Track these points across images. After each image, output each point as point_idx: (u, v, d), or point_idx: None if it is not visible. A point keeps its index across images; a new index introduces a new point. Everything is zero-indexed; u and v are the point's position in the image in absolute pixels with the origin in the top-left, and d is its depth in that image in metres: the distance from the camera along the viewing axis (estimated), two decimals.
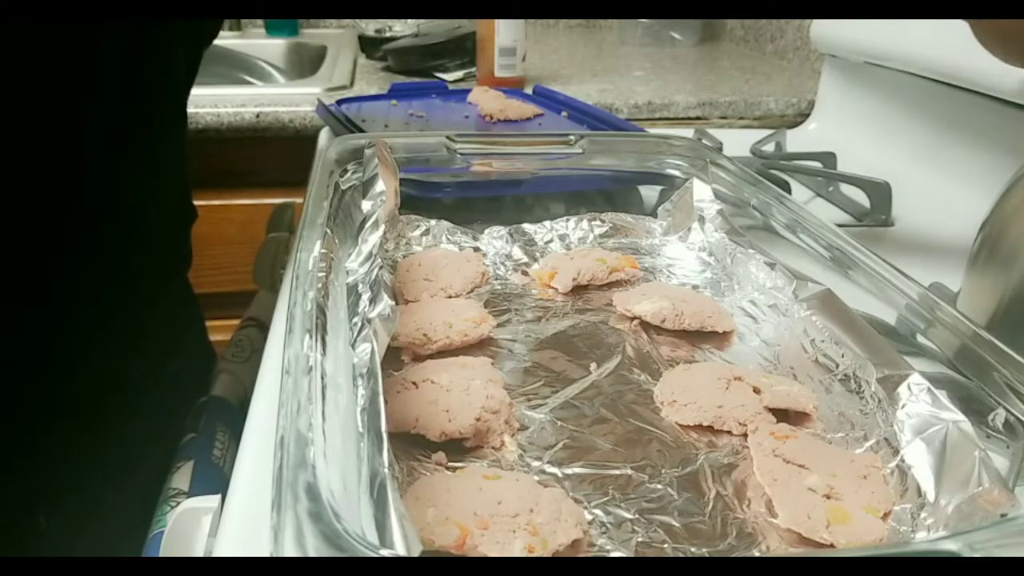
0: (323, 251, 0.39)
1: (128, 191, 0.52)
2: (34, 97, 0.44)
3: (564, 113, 0.85)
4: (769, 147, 0.83)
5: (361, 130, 0.70)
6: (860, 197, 0.69)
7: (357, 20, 1.41)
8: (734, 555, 0.30)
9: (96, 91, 0.47)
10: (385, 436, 0.28)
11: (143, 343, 0.57)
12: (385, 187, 0.49)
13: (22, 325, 0.47)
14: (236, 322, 0.76)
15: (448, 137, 0.58)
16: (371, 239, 0.44)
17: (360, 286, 0.40)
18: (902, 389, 0.37)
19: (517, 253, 0.55)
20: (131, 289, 0.54)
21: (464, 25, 1.19)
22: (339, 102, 0.82)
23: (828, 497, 0.32)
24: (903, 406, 0.36)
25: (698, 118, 1.06)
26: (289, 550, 0.21)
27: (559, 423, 0.37)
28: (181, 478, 0.49)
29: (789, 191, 0.69)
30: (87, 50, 0.45)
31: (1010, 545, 0.24)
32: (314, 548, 0.21)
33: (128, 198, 0.52)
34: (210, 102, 0.97)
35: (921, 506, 0.32)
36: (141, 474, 0.52)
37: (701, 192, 0.58)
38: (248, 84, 1.36)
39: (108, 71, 0.48)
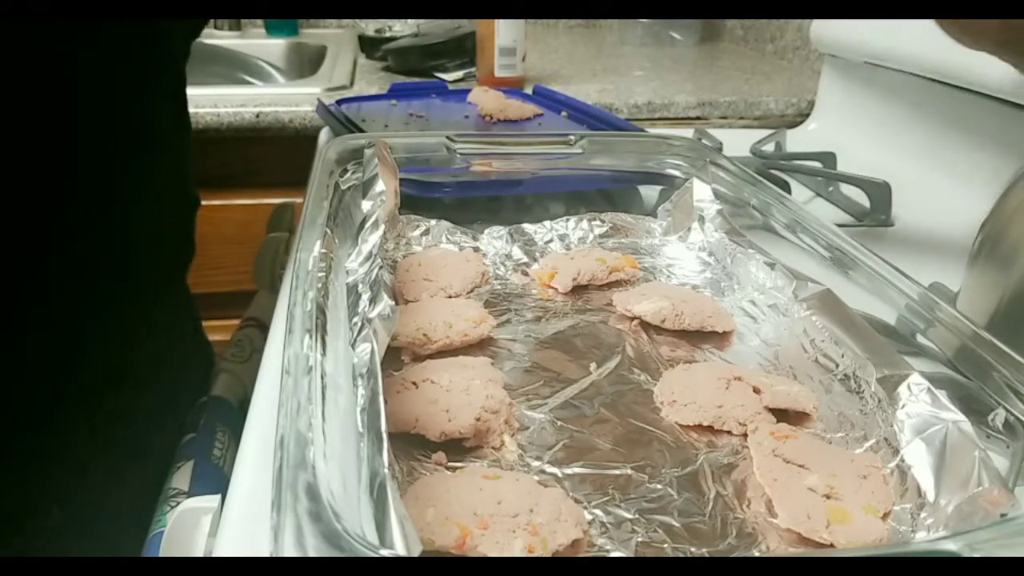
0: (323, 251, 0.39)
1: (127, 185, 0.52)
2: (26, 93, 0.44)
3: (564, 113, 0.85)
4: (769, 147, 0.83)
5: (361, 130, 0.70)
6: (860, 197, 0.69)
7: (357, 20, 1.41)
8: (734, 555, 0.30)
9: (88, 85, 0.47)
10: (385, 436, 0.28)
11: (143, 338, 0.57)
12: (385, 187, 0.49)
13: (21, 319, 0.47)
14: (236, 322, 0.76)
15: (448, 137, 0.58)
16: (371, 239, 0.44)
17: (360, 286, 0.40)
18: (902, 389, 0.37)
19: (517, 253, 0.55)
20: (131, 284, 0.54)
21: (464, 25, 1.19)
22: (339, 102, 0.82)
23: (828, 497, 0.32)
24: (903, 406, 0.36)
25: (698, 118, 1.06)
26: (289, 550, 0.21)
27: (559, 423, 0.37)
28: (181, 478, 0.49)
29: (789, 191, 0.69)
30: (76, 46, 0.45)
31: (1010, 545, 0.24)
32: (314, 548, 0.21)
33: (127, 192, 0.52)
34: (210, 102, 0.97)
35: (921, 506, 0.32)
36: (141, 474, 0.52)
37: (701, 192, 0.58)
38: (248, 84, 1.36)
39: (97, 65, 0.47)
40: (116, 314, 0.53)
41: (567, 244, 0.57)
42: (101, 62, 0.47)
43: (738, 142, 0.81)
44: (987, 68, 0.64)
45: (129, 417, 0.55)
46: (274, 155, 1.01)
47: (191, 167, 0.63)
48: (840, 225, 0.58)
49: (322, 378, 0.29)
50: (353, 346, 0.35)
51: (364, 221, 0.45)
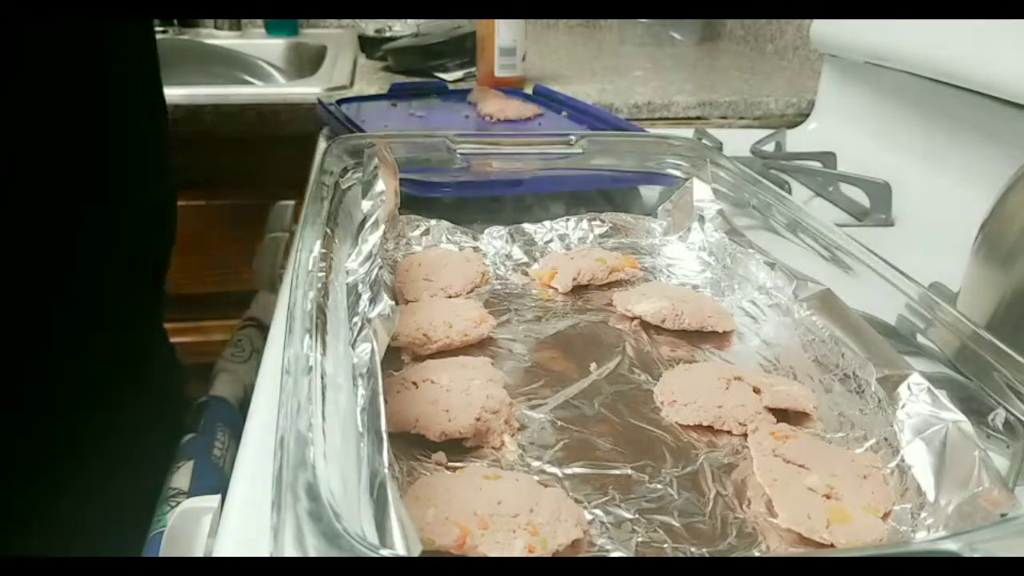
0: (323, 251, 0.39)
1: (101, 184, 0.52)
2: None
3: (564, 113, 0.85)
4: (769, 147, 0.83)
5: (361, 130, 0.70)
6: (860, 197, 0.69)
7: (357, 20, 1.40)
8: (734, 555, 0.30)
9: (63, 84, 0.47)
10: (385, 436, 0.28)
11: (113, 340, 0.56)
12: (385, 187, 0.49)
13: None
14: (236, 322, 0.76)
15: (448, 137, 0.58)
16: (371, 239, 0.44)
17: (360, 286, 0.40)
18: (902, 389, 0.37)
19: (517, 253, 0.55)
20: (103, 284, 0.54)
21: (464, 25, 1.19)
22: (339, 102, 0.82)
23: (828, 497, 0.32)
24: (903, 406, 0.36)
25: (698, 118, 1.06)
26: (289, 550, 0.21)
27: (559, 423, 0.37)
28: (181, 478, 0.49)
29: (789, 191, 0.69)
30: (48, 46, 0.45)
31: (1010, 545, 0.24)
32: (314, 548, 0.21)
33: (104, 190, 0.52)
34: (210, 102, 0.97)
35: (921, 506, 0.32)
36: (141, 474, 0.52)
37: (701, 192, 0.58)
38: (248, 84, 1.36)
39: (65, 67, 0.47)
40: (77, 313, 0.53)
41: (567, 244, 0.57)
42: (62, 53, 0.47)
43: (738, 142, 0.81)
44: (987, 68, 0.64)
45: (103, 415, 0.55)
46: (274, 155, 1.01)
47: (169, 166, 0.62)
48: (840, 225, 0.58)
49: (322, 378, 0.29)
50: (353, 346, 0.35)
51: (364, 221, 0.45)
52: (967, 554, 0.23)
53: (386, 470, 0.26)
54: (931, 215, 0.68)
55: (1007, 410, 0.34)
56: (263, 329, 0.74)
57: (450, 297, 0.48)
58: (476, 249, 0.55)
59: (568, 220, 0.58)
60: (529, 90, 0.95)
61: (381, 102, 0.88)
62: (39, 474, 0.51)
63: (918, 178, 0.74)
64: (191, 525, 0.34)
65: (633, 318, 0.47)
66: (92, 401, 0.53)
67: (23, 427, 0.49)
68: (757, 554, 0.30)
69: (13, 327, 0.47)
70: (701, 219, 0.57)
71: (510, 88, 0.96)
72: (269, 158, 1.02)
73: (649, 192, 0.65)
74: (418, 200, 0.58)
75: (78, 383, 0.52)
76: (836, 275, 0.46)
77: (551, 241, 0.57)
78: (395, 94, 0.90)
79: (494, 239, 0.56)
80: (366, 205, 0.47)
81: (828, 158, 0.77)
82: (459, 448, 0.35)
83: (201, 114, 0.96)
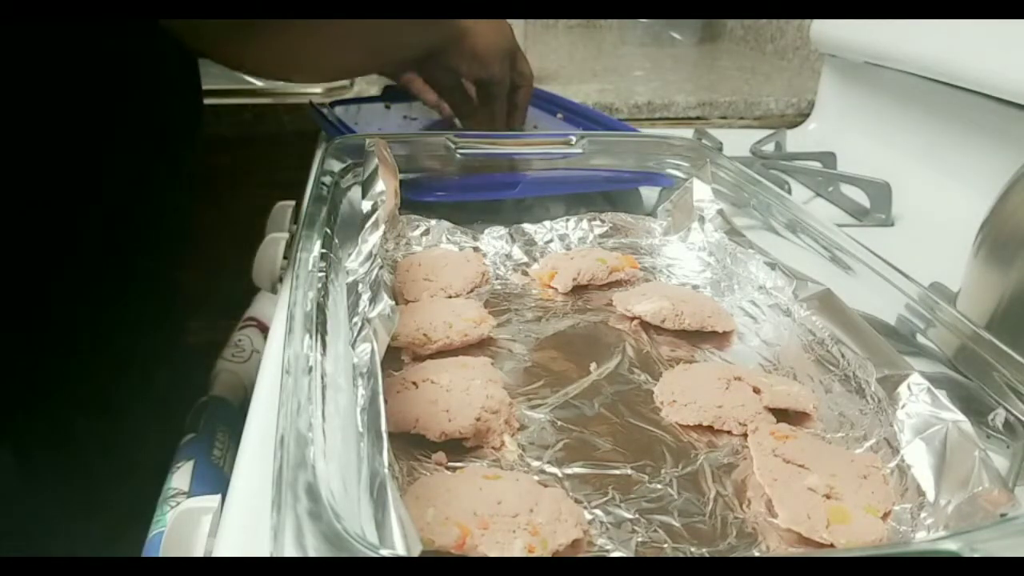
0: (323, 251, 0.39)
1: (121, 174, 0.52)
2: (38, 96, 0.44)
3: (559, 115, 0.84)
4: (769, 147, 0.83)
5: (352, 132, 0.70)
6: (860, 197, 0.69)
7: None
8: (734, 555, 0.30)
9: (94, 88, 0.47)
10: (385, 436, 0.28)
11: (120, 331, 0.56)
12: (385, 187, 0.49)
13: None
14: (236, 322, 0.76)
15: (448, 137, 0.58)
16: (371, 239, 0.44)
17: (360, 286, 0.40)
18: (902, 389, 0.37)
19: (517, 253, 0.55)
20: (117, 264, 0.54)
21: None
22: (332, 104, 0.81)
23: (828, 497, 0.32)
24: (903, 406, 0.36)
25: (698, 118, 1.06)
26: (289, 550, 0.21)
27: (559, 423, 0.37)
28: (181, 478, 0.49)
29: (789, 191, 0.69)
30: (88, 50, 0.45)
31: (1010, 545, 0.24)
32: (314, 548, 0.21)
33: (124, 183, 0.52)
34: (209, 102, 0.97)
35: (921, 506, 0.32)
36: (141, 474, 0.52)
37: (701, 192, 0.58)
38: (248, 84, 1.36)
39: (104, 70, 0.47)
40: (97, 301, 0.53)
41: (567, 244, 0.57)
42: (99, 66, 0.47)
43: (738, 142, 0.81)
44: (987, 68, 0.64)
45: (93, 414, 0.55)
46: (274, 155, 1.01)
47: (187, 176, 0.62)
48: (840, 225, 0.58)
49: (322, 378, 0.29)
50: (353, 346, 0.35)
51: (364, 221, 0.45)
52: (967, 554, 0.23)
53: (386, 470, 0.26)
54: (931, 215, 0.68)
55: (1007, 410, 0.34)
56: (263, 329, 0.74)
57: (450, 297, 0.48)
58: (476, 249, 0.55)
59: (568, 220, 0.58)
60: None
61: (376, 104, 0.87)
62: (39, 478, 0.51)
63: (918, 178, 0.74)
64: (191, 525, 0.34)
65: (633, 318, 0.47)
66: (98, 397, 0.53)
67: (24, 428, 0.49)
68: (757, 554, 0.30)
69: (17, 322, 0.47)
70: (701, 219, 0.57)
71: None
72: (269, 158, 1.02)
73: (649, 192, 0.65)
74: (418, 200, 0.58)
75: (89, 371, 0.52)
76: (836, 275, 0.46)
77: (551, 241, 0.57)
78: (389, 96, 0.89)
79: (494, 239, 0.56)
80: (366, 205, 0.47)
81: (828, 158, 0.77)
82: (459, 448, 0.35)
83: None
